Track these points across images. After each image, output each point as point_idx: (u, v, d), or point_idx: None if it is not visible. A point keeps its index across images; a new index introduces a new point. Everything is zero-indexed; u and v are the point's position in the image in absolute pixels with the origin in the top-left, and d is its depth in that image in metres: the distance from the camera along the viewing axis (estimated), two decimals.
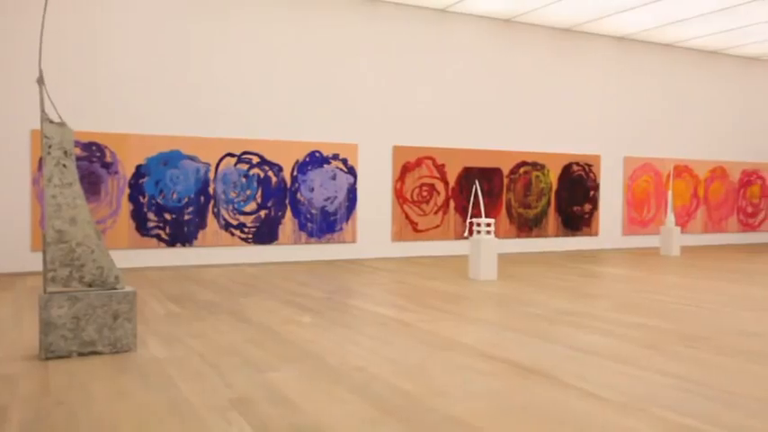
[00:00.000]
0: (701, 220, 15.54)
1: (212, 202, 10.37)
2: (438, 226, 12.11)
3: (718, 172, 15.78)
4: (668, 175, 14.19)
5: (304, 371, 4.30)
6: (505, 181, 12.76)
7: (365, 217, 11.54)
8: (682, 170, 15.08)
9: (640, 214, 14.57)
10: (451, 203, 12.23)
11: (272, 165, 10.77)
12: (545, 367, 4.44)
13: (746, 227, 16.32)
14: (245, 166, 10.60)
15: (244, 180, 10.60)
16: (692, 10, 12.17)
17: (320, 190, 11.13)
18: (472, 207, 9.39)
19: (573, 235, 13.63)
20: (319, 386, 3.96)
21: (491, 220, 8.89)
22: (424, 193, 12.03)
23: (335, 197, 11.26)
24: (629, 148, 14.35)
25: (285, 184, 10.87)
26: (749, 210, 16.38)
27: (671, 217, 12.88)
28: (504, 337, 5.43)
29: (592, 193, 13.85)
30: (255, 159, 10.67)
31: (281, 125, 10.89)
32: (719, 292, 7.98)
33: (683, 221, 15.07)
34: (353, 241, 11.39)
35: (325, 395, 3.79)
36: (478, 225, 8.74)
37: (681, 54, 15.03)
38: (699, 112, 15.41)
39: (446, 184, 12.17)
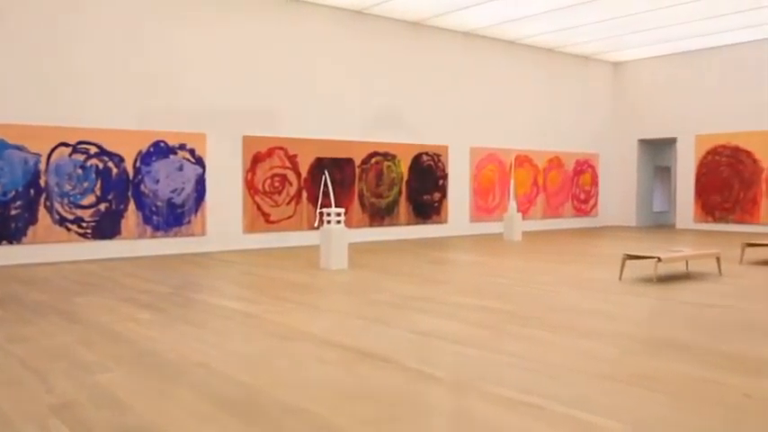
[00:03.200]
0: (540, 206, 16.66)
1: (44, 196, 9.58)
2: (290, 217, 12.02)
3: (555, 162, 16.97)
4: (510, 165, 15.04)
5: (139, 370, 4.09)
6: (357, 171, 12.92)
7: (215, 209, 11.18)
8: (523, 160, 16.05)
9: (486, 202, 15.34)
10: (304, 194, 12.18)
11: (111, 155, 10.13)
12: (388, 352, 4.54)
13: (580, 212, 17.71)
14: (81, 157, 9.88)
15: (80, 171, 9.89)
16: (529, 9, 12.95)
17: (166, 181, 10.63)
18: (322, 197, 9.41)
19: (423, 223, 14.08)
20: (154, 385, 3.78)
21: (341, 210, 8.96)
22: (276, 184, 11.88)
23: (183, 189, 10.81)
24: (475, 139, 15.04)
25: (127, 175, 10.27)
26: (582, 196, 17.79)
27: (513, 204, 13.67)
28: (350, 325, 5.49)
29: (441, 182, 14.38)
30: (93, 149, 9.98)
31: (121, 113, 10.25)
32: (554, 274, 8.58)
33: (525, 208, 16.04)
34: (203, 234, 11.01)
35: (160, 394, 3.63)
36: (328, 215, 8.77)
37: (521, 50, 15.96)
38: (537, 105, 16.46)
39: (298, 174, 12.09)
